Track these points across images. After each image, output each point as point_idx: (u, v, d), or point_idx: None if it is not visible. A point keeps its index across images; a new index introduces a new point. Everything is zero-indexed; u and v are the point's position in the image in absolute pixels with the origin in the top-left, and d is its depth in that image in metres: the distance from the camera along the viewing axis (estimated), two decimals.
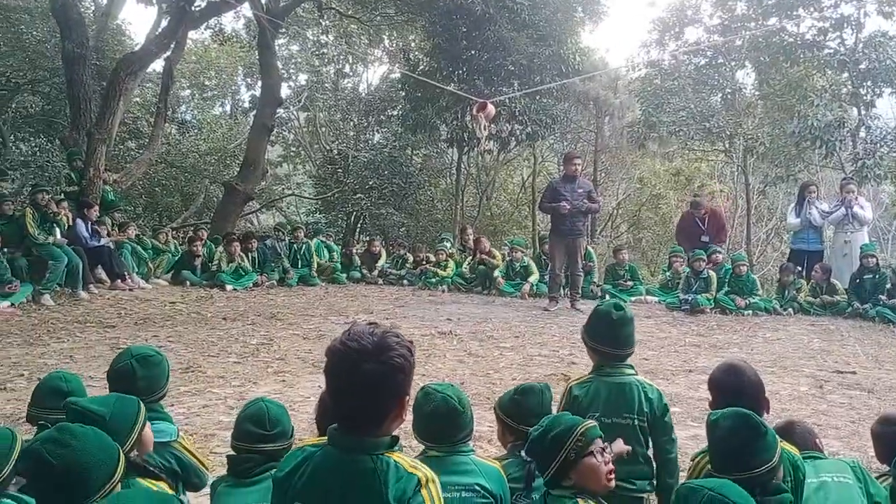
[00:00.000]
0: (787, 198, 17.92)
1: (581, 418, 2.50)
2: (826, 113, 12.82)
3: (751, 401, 2.77)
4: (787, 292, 10.23)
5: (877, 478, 2.93)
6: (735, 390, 2.84)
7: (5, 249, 9.23)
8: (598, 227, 20.52)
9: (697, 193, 13.22)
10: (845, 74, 13.85)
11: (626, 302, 10.59)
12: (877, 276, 9.73)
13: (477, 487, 2.56)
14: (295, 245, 12.40)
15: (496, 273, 11.51)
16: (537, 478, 2.67)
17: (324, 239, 13.51)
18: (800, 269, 10.61)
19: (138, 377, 2.95)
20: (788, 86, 14.56)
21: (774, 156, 14.96)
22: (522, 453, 2.82)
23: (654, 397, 3.01)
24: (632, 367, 3.11)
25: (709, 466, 2.68)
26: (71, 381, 3.02)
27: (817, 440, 3.10)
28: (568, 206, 9.36)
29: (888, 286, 9.61)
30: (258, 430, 2.74)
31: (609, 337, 3.13)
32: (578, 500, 2.34)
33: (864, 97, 13.53)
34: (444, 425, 2.67)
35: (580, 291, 10.02)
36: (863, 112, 13.52)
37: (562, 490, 2.37)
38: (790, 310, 9.95)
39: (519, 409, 2.99)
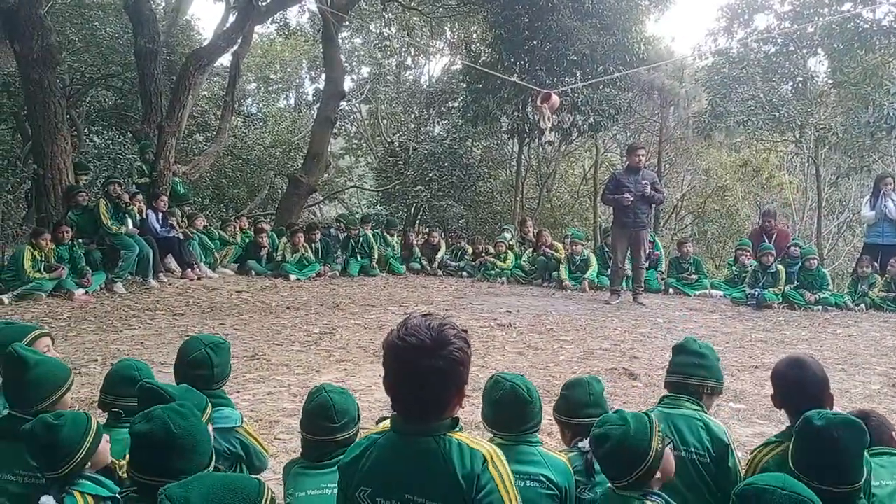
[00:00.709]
0: (860, 190, 17.33)
1: (645, 414, 2.45)
2: None
3: (814, 396, 2.72)
4: (859, 287, 9.90)
5: None
6: (799, 384, 2.78)
7: (81, 240, 9.60)
8: (663, 219, 20.16)
9: (771, 209, 12.89)
10: None
11: (690, 296, 10.50)
12: None
13: (542, 478, 2.58)
14: (352, 240, 12.44)
15: (562, 272, 11.40)
16: (597, 472, 2.67)
17: (380, 231, 13.44)
18: (875, 263, 10.26)
19: (214, 364, 3.09)
20: (863, 74, 14.04)
21: (847, 146, 14.46)
22: (580, 445, 2.83)
23: (716, 432, 2.86)
24: (696, 402, 2.97)
25: (768, 460, 2.67)
26: (142, 370, 3.14)
27: (894, 433, 2.99)
28: (631, 198, 9.24)
29: None
30: (327, 423, 2.81)
31: (671, 364, 3.11)
32: (647, 501, 2.32)
33: None
34: (511, 414, 2.70)
35: (643, 285, 9.89)
36: None
37: (629, 491, 2.34)
38: (862, 305, 9.64)
39: (568, 403, 3.02)
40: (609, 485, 2.42)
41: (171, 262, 10.70)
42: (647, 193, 9.34)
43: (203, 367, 3.06)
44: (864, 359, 6.86)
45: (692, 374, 3.01)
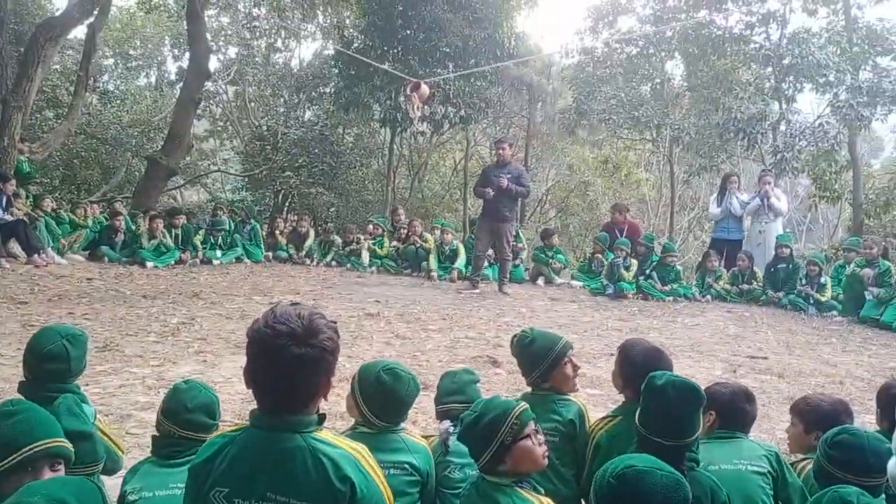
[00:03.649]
0: (710, 188, 18.46)
1: (514, 401, 2.48)
2: (749, 106, 13.23)
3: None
4: (706, 279, 10.55)
5: (791, 464, 3.00)
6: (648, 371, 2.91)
7: None
8: (528, 211, 20.72)
9: (620, 203, 13.52)
10: (769, 69, 14.27)
11: (553, 281, 10.87)
12: (790, 266, 10.12)
13: (406, 465, 2.60)
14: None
15: (431, 262, 11.49)
16: (450, 452, 2.77)
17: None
18: (720, 257, 10.95)
19: (70, 357, 2.84)
20: (715, 78, 14.95)
21: (699, 146, 15.36)
22: (439, 426, 2.88)
23: (563, 413, 3.02)
24: (550, 390, 3.12)
25: (601, 434, 2.91)
26: None
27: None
28: (492, 192, 9.54)
29: (801, 276, 10.02)
30: (209, 419, 2.70)
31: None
32: (518, 489, 2.31)
33: (786, 92, 13.96)
34: (407, 404, 2.73)
35: (507, 275, 10.11)
36: (784, 106, 13.96)
37: (498, 477, 2.33)
38: (708, 297, 10.27)
39: (438, 390, 3.08)
40: (477, 471, 2.43)
41: (15, 246, 9.92)
42: (504, 186, 9.53)
43: (58, 360, 2.80)
44: (708, 346, 7.32)
45: (525, 370, 3.16)
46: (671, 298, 10.09)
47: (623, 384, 3.02)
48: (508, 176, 9.61)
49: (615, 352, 6.47)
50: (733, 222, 11.27)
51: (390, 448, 2.59)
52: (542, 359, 3.06)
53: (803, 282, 9.96)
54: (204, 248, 11.68)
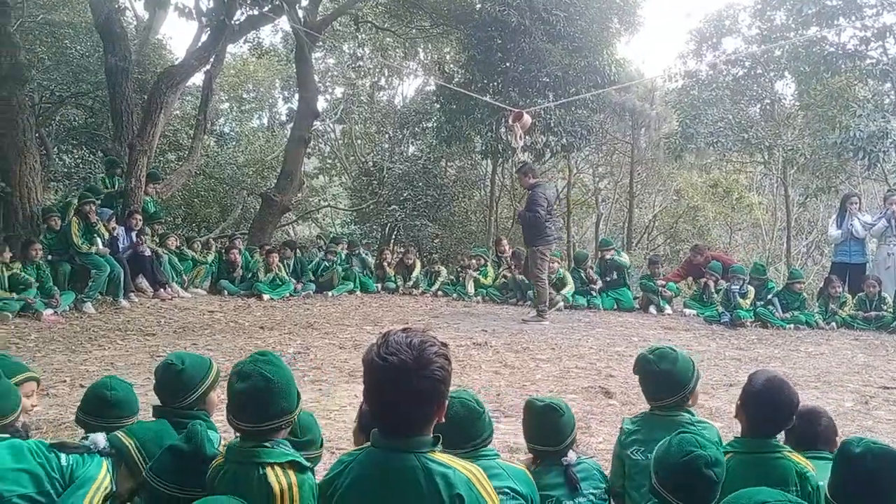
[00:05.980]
0: (828, 210, 17.63)
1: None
2: (868, 123, 12.57)
3: (787, 419, 2.77)
4: (829, 306, 10.03)
5: None
6: (773, 406, 2.78)
7: (50, 257, 9.46)
8: (635, 239, 20.34)
9: (699, 245, 13.10)
10: (888, 84, 13.58)
11: (664, 310, 10.61)
12: None
13: (507, 490, 2.57)
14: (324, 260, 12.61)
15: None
16: (580, 485, 2.77)
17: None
18: (842, 281, 10.42)
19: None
20: (829, 96, 14.31)
21: (815, 167, 14.73)
22: (563, 460, 2.84)
23: (714, 437, 2.97)
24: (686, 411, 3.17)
25: None
26: (117, 389, 3.08)
27: (838, 438, 3.00)
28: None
29: None
30: (291, 437, 2.76)
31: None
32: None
33: None
34: (465, 428, 2.68)
35: (538, 301, 9.89)
36: None
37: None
38: (833, 324, 9.76)
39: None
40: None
41: (143, 281, 10.55)
42: (518, 215, 9.65)
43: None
44: (836, 376, 6.93)
45: (667, 390, 3.14)
46: (792, 326, 9.64)
47: (738, 411, 2.93)
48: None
49: (733, 382, 6.26)
50: (855, 245, 10.69)
51: (489, 475, 2.55)
52: (690, 377, 3.09)
53: None
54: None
